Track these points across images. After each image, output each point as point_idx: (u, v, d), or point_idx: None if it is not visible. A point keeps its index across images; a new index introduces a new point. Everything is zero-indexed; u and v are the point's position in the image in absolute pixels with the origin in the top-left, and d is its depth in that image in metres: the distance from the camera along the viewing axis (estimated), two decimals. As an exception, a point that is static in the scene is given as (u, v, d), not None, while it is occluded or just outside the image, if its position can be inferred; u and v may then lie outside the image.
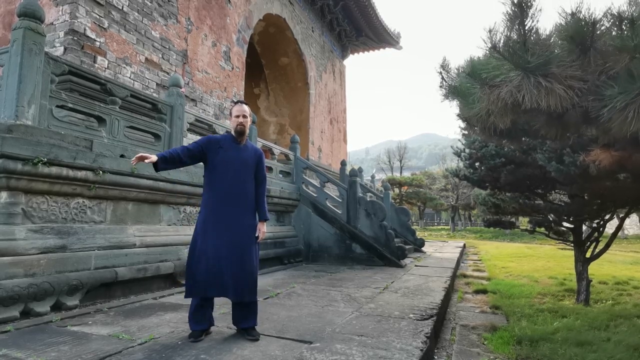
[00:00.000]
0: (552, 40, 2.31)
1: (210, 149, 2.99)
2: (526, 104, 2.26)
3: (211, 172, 2.99)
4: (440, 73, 2.91)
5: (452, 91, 2.84)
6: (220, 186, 2.93)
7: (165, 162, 2.83)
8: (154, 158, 2.75)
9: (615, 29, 2.15)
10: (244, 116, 3.02)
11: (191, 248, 2.93)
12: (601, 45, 2.20)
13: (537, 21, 2.25)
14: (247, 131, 3.09)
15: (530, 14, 2.22)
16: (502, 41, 2.30)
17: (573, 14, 2.18)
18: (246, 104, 3.13)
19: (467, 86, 2.68)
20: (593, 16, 2.15)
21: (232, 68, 9.86)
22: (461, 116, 3.46)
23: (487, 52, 2.49)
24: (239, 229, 2.90)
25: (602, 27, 2.19)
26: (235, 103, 3.11)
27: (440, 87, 2.94)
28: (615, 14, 2.14)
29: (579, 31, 2.16)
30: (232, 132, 3.09)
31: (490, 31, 2.30)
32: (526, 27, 2.25)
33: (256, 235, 3.00)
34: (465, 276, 8.26)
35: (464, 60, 2.78)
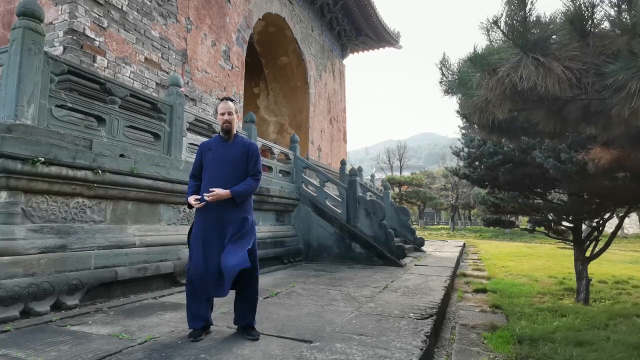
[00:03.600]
0: (551, 26, 2.33)
1: (203, 156, 3.05)
2: (524, 84, 2.27)
3: (204, 174, 3.03)
4: (441, 69, 2.92)
5: (452, 85, 2.85)
6: (211, 186, 2.91)
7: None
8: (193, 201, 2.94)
9: (614, 10, 2.17)
10: (229, 113, 3.02)
11: (189, 253, 2.98)
12: (599, 31, 2.23)
13: (536, 1, 2.31)
14: (234, 128, 3.09)
15: None
16: (503, 18, 2.35)
17: (573, 0, 2.20)
18: (232, 100, 3.11)
19: (467, 72, 2.71)
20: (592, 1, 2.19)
21: (232, 67, 9.85)
22: (460, 112, 3.48)
23: (488, 43, 2.52)
24: (232, 226, 2.90)
25: (600, 13, 2.22)
26: (221, 100, 3.11)
27: (440, 82, 2.96)
28: None
29: (578, 15, 2.18)
30: (220, 131, 3.10)
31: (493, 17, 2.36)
32: (527, 8, 2.30)
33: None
34: (465, 275, 8.27)
35: (466, 54, 2.81)
